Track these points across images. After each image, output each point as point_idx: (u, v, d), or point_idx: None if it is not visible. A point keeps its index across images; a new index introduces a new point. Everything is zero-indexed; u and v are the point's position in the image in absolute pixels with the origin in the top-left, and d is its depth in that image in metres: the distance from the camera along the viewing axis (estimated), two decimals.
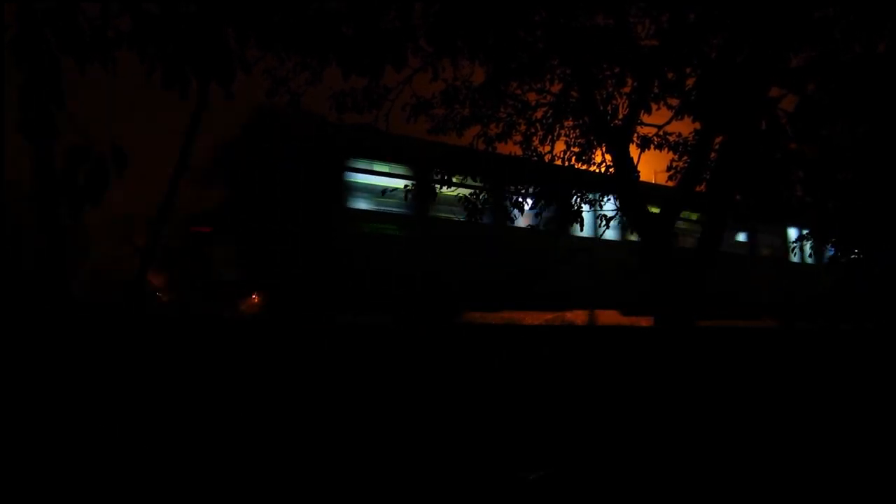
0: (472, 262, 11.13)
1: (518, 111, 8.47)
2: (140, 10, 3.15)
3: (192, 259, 10.13)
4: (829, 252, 14.70)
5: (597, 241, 10.56)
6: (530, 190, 8.68)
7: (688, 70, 7.19)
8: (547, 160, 8.64)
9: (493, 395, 3.96)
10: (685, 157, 8.91)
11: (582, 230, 9.17)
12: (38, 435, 2.94)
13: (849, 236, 10.97)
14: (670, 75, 7.27)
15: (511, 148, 8.70)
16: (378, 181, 10.05)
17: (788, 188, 7.96)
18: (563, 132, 8.66)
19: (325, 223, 10.03)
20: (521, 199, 8.66)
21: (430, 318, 10.96)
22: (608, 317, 13.54)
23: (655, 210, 8.14)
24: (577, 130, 8.66)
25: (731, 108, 6.73)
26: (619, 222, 9.66)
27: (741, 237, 15.97)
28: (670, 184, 9.26)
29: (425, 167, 9.59)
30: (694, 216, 13.15)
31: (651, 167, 12.46)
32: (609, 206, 9.19)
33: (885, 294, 11.69)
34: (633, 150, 8.17)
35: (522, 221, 9.67)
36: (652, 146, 8.87)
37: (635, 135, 8.36)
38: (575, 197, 8.87)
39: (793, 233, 15.96)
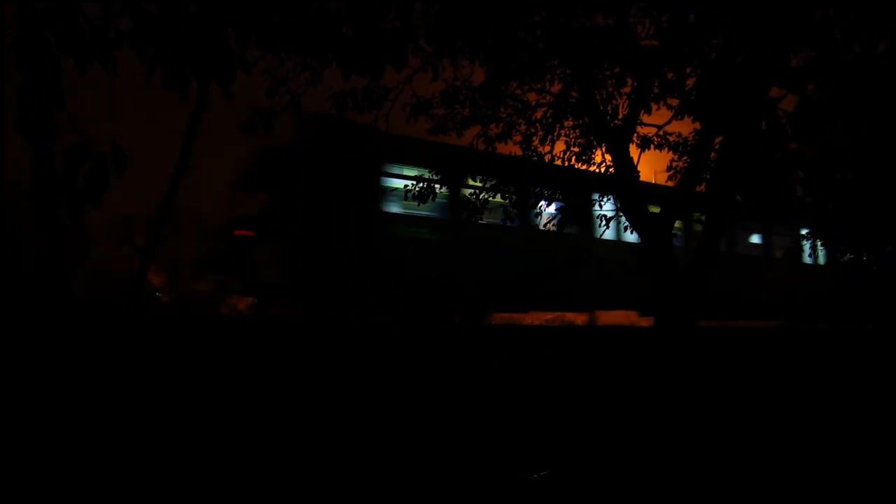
0: (500, 264, 11.49)
1: (518, 111, 8.47)
2: (140, 10, 3.15)
3: (235, 262, 10.44)
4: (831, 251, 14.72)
5: (618, 242, 10.73)
6: (557, 194, 8.83)
7: (688, 70, 7.19)
8: (547, 160, 8.65)
9: (494, 396, 3.96)
10: (685, 157, 8.91)
11: (606, 231, 9.31)
12: (39, 435, 2.93)
13: (849, 236, 10.97)
14: (670, 75, 7.27)
15: (511, 148, 8.72)
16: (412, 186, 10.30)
17: (788, 188, 7.96)
18: (563, 132, 8.66)
19: (362, 227, 10.45)
20: (550, 204, 8.82)
21: (461, 319, 11.49)
22: (628, 317, 13.70)
23: (655, 209, 8.14)
24: (577, 130, 8.66)
25: (731, 108, 6.73)
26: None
27: (755, 239, 16.15)
28: (670, 184, 9.26)
29: (457, 173, 9.91)
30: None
31: (651, 167, 12.50)
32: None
33: (885, 294, 11.69)
34: (633, 150, 8.18)
35: (547, 224, 9.90)
36: (652, 146, 8.87)
37: (635, 135, 8.36)
38: (597, 201, 9.08)
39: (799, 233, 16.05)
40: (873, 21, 6.36)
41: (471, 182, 8.98)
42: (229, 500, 2.37)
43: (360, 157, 10.49)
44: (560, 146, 8.73)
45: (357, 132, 10.03)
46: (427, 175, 8.82)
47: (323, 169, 10.31)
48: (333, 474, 2.61)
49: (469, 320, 11.46)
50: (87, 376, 3.83)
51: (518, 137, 8.58)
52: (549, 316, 14.06)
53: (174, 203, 7.65)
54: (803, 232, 14.50)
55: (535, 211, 9.12)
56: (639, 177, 8.26)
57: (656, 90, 7.55)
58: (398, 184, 10.47)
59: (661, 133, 8.82)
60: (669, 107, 7.82)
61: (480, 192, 8.75)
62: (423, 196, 8.62)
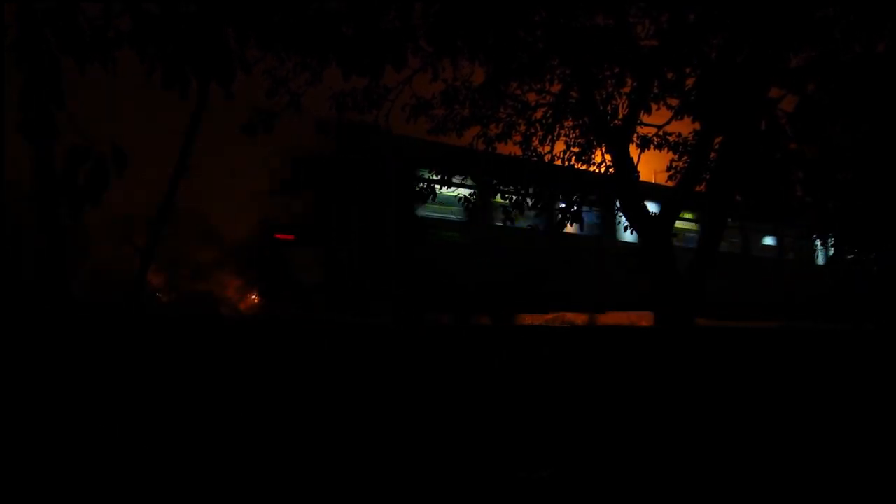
0: (526, 265, 11.82)
1: (518, 111, 8.47)
2: (140, 10, 3.15)
3: (275, 264, 11.01)
4: (831, 252, 14.72)
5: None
6: (581, 199, 8.90)
7: (688, 70, 7.19)
8: (547, 160, 8.65)
9: (494, 396, 3.96)
10: (685, 157, 8.91)
11: (629, 234, 9.48)
12: (39, 435, 2.94)
13: (848, 236, 10.98)
14: (670, 75, 7.27)
15: (511, 148, 8.73)
16: (444, 191, 10.52)
17: (788, 188, 7.96)
18: (562, 132, 8.66)
19: (396, 231, 10.77)
20: (575, 209, 8.88)
21: (490, 319, 12.02)
22: (647, 318, 13.93)
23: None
24: (577, 130, 8.66)
25: (731, 108, 6.74)
26: None
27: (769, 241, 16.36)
28: (670, 184, 9.26)
29: (485, 179, 10.26)
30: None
31: (651, 167, 12.58)
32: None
33: (885, 294, 11.70)
34: (633, 150, 8.18)
35: (570, 228, 10.13)
36: (652, 146, 8.87)
37: (635, 135, 8.36)
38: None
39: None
40: (873, 21, 6.36)
41: (501, 187, 9.17)
42: (229, 499, 2.37)
43: (394, 164, 10.83)
44: (560, 146, 8.74)
45: (390, 140, 10.39)
46: (458, 180, 9.04)
47: (358, 175, 10.66)
48: (334, 474, 2.61)
49: (496, 320, 11.90)
50: (87, 376, 3.84)
51: (518, 137, 8.59)
52: (568, 316, 14.87)
53: (174, 203, 7.67)
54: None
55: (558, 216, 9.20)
56: (639, 177, 8.26)
57: (656, 90, 7.56)
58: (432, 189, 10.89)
59: (661, 133, 8.82)
60: (669, 107, 7.82)
61: (513, 197, 8.83)
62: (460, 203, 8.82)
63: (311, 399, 3.75)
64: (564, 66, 7.83)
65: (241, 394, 3.75)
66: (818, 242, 15.81)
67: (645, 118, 7.98)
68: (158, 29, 3.16)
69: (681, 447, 3.19)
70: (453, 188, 9.00)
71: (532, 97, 8.42)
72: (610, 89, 7.85)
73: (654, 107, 7.67)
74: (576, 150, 8.68)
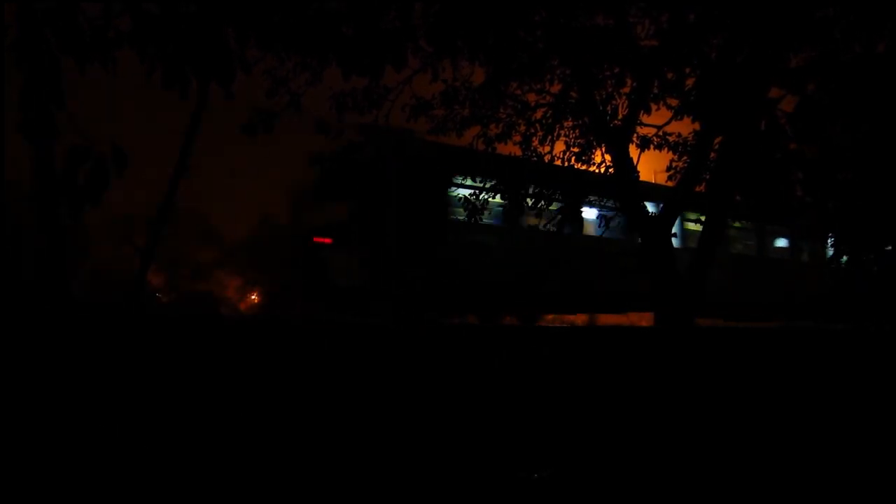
0: (553, 268, 12.03)
1: (518, 111, 8.47)
2: (140, 10, 3.15)
3: (313, 267, 11.32)
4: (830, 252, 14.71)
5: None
6: (609, 204, 8.95)
7: (688, 70, 7.19)
8: (546, 160, 8.65)
9: (494, 396, 3.96)
10: (685, 157, 8.91)
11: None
12: (39, 434, 2.94)
13: (848, 236, 10.97)
14: (670, 75, 7.27)
15: (511, 148, 8.72)
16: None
17: (788, 188, 7.96)
18: (562, 132, 8.66)
19: (430, 234, 11.06)
20: (606, 214, 8.93)
21: (518, 319, 12.40)
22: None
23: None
24: (577, 130, 8.66)
25: (731, 109, 6.73)
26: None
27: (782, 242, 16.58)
28: (670, 184, 9.26)
29: (515, 184, 10.29)
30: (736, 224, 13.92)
31: (651, 167, 12.64)
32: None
33: (885, 294, 11.69)
34: (633, 151, 8.18)
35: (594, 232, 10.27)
36: (652, 146, 8.88)
37: (635, 135, 8.36)
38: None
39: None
40: (873, 21, 6.36)
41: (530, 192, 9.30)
42: (230, 499, 2.37)
43: (430, 170, 11.09)
44: (560, 146, 8.74)
45: (425, 147, 10.64)
46: (489, 185, 9.12)
47: (395, 181, 10.89)
48: (334, 474, 2.61)
49: (522, 320, 12.24)
50: (87, 375, 3.84)
51: (518, 138, 8.59)
52: (594, 316, 15.48)
53: (174, 203, 7.68)
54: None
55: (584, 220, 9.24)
56: (639, 177, 8.26)
57: (656, 90, 7.56)
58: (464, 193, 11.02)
59: (660, 133, 8.83)
60: (669, 107, 7.82)
61: (537, 202, 8.86)
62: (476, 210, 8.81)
63: (311, 399, 3.75)
64: (564, 66, 7.83)
65: (241, 394, 3.75)
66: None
67: (645, 118, 7.99)
68: (158, 29, 3.17)
69: (680, 447, 3.19)
70: (487, 194, 9.04)
71: (532, 97, 8.42)
72: (610, 89, 7.85)
73: (653, 107, 7.68)
74: (576, 150, 8.69)
